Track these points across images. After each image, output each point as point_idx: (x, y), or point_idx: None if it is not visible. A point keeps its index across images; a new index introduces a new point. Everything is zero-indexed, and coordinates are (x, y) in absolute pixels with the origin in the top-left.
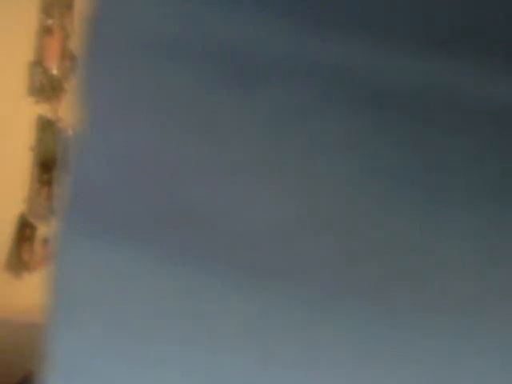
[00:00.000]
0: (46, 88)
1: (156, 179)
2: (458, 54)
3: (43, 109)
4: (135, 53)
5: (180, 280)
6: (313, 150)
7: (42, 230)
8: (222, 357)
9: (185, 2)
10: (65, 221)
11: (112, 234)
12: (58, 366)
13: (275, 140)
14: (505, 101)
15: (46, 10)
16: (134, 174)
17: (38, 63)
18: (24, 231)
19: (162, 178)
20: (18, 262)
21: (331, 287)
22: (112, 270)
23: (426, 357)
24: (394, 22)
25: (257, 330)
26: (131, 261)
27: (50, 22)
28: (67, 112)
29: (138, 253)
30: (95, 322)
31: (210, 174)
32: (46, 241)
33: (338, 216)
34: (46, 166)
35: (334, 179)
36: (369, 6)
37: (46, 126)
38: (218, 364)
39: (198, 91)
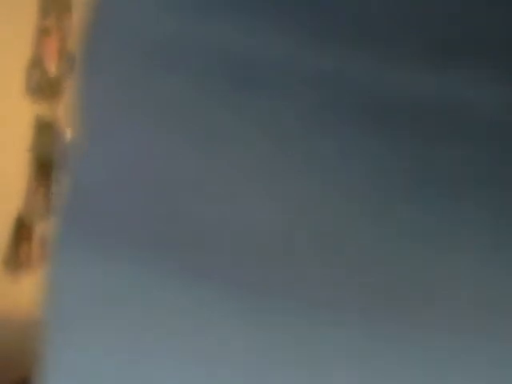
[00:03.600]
0: (43, 88)
1: (153, 185)
2: (458, 64)
3: (41, 109)
4: (134, 56)
5: (177, 286)
6: (313, 157)
7: (39, 230)
8: (224, 372)
9: (185, 4)
10: (60, 228)
11: (108, 241)
12: (56, 369)
13: (275, 146)
14: (505, 101)
15: (44, 11)
16: (130, 180)
17: (36, 64)
18: (21, 231)
19: (160, 183)
20: (15, 262)
21: (331, 299)
22: (108, 276)
23: (425, 371)
24: (393, 30)
25: (256, 343)
26: (127, 267)
27: (47, 22)
28: (64, 113)
29: (134, 259)
30: (94, 325)
31: (209, 180)
32: (43, 241)
33: (338, 225)
34: (44, 166)
35: (335, 186)
36: (368, 15)
37: (43, 127)
38: (219, 379)
39: (198, 95)
